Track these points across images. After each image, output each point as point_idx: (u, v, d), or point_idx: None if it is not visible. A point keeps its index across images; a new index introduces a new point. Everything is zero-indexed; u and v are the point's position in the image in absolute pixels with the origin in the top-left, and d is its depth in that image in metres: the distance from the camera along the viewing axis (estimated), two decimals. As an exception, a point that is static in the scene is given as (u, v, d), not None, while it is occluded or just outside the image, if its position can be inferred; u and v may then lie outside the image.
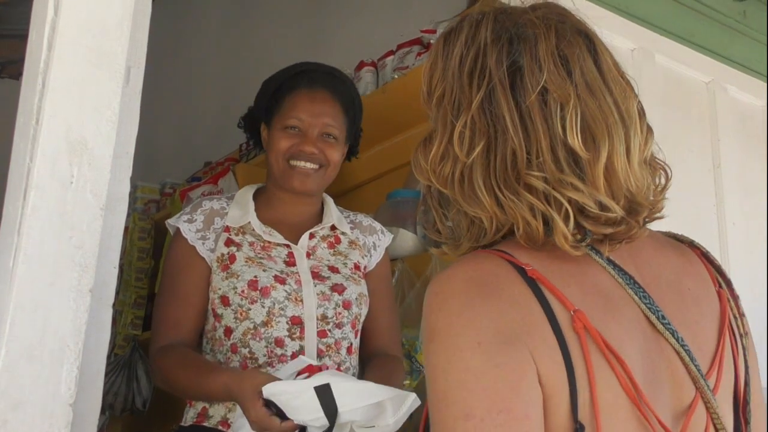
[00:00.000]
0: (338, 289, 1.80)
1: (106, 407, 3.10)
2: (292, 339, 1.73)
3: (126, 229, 3.38)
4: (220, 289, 1.77)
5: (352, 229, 1.94)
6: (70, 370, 1.16)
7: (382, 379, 1.76)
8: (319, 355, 1.74)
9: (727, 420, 0.96)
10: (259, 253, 1.80)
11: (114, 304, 1.30)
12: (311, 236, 1.87)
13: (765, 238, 2.44)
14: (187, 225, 1.82)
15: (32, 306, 1.14)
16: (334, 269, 1.84)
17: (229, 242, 1.81)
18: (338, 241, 1.90)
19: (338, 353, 1.77)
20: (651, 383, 0.91)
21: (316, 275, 1.80)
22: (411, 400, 1.47)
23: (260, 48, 3.94)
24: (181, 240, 1.82)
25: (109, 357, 1.52)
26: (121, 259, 1.33)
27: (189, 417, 1.77)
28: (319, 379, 1.48)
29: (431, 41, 2.43)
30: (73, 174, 1.19)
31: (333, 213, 1.92)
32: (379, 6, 3.43)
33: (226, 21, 4.53)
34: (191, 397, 1.76)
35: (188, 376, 1.68)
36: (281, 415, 1.48)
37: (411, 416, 1.51)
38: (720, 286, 1.03)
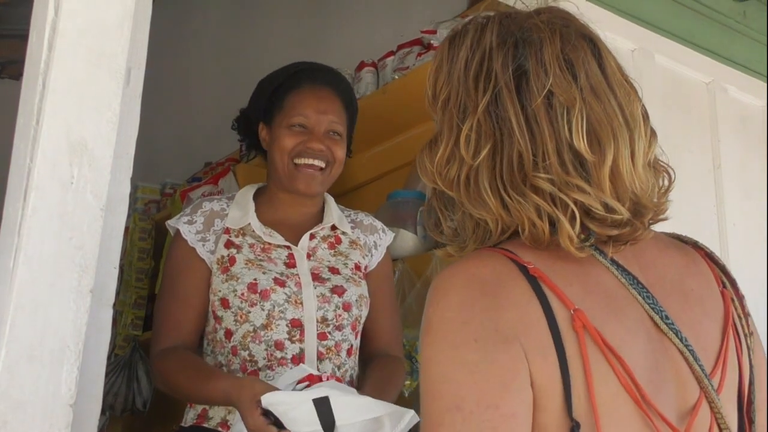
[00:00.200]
0: (338, 290, 1.79)
1: (107, 408, 3.10)
2: (292, 342, 1.73)
3: (126, 229, 3.37)
4: (220, 291, 1.77)
5: (352, 228, 1.94)
6: (70, 370, 1.16)
7: (382, 380, 1.76)
8: (319, 357, 1.73)
9: (731, 419, 0.96)
10: (259, 255, 1.80)
11: (114, 305, 1.30)
12: (312, 237, 1.87)
13: (765, 239, 2.44)
14: (187, 226, 1.82)
15: (32, 307, 1.14)
16: (334, 270, 1.83)
17: (229, 244, 1.80)
18: (339, 241, 1.90)
19: (338, 355, 1.76)
20: (655, 383, 0.92)
21: (316, 277, 1.80)
22: (409, 417, 1.47)
23: (260, 49, 3.94)
24: (181, 241, 1.82)
25: (109, 357, 1.53)
26: (121, 259, 1.33)
27: (189, 418, 1.77)
28: (318, 392, 1.48)
29: (432, 42, 2.43)
30: (73, 175, 1.20)
31: (334, 212, 1.92)
32: (379, 6, 3.43)
33: (227, 22, 4.53)
34: (191, 401, 1.76)
35: (188, 381, 1.68)
36: (279, 425, 1.48)
37: None
38: (724, 286, 1.04)
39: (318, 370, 1.69)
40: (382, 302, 1.91)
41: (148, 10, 1.39)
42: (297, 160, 1.82)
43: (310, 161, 1.82)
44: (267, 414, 1.48)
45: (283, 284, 1.75)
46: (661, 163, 1.01)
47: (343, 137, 1.88)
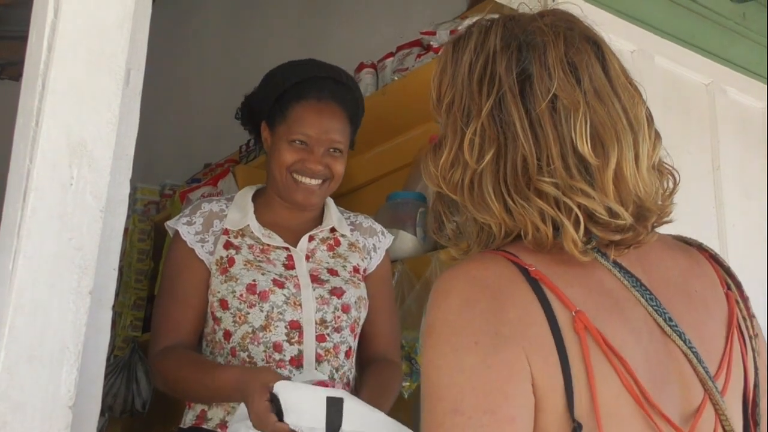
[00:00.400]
0: (337, 292, 1.79)
1: (106, 409, 3.10)
2: (291, 343, 1.72)
3: (126, 230, 3.38)
4: (219, 292, 1.76)
5: (352, 230, 1.94)
6: (69, 371, 1.16)
7: (379, 386, 1.76)
8: (318, 359, 1.73)
9: (736, 421, 0.97)
10: (258, 256, 1.80)
11: (114, 306, 1.30)
12: (310, 239, 1.87)
13: (765, 240, 2.44)
14: (186, 227, 1.82)
15: (32, 308, 1.14)
16: (333, 272, 1.83)
17: (228, 245, 1.80)
18: (338, 243, 1.90)
19: (337, 357, 1.76)
20: (658, 384, 0.92)
21: (315, 278, 1.80)
22: None
23: (260, 49, 3.95)
24: (180, 242, 1.82)
25: (108, 359, 1.52)
26: (120, 260, 1.33)
27: (188, 419, 1.77)
28: (334, 392, 1.48)
29: (431, 43, 2.43)
30: (72, 176, 1.19)
31: (333, 215, 1.92)
32: (378, 8, 3.43)
33: (227, 22, 4.53)
34: (192, 397, 1.75)
35: (192, 373, 1.68)
36: (279, 417, 1.48)
37: None
38: (728, 288, 1.04)
39: (315, 371, 1.69)
40: (380, 305, 1.90)
41: (148, 11, 1.39)
42: (295, 176, 1.82)
43: (308, 180, 1.81)
44: (272, 402, 1.48)
45: (282, 285, 1.75)
46: (666, 166, 1.01)
47: (344, 152, 1.86)
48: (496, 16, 1.03)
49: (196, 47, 4.67)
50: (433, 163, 1.01)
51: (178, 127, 4.54)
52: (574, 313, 0.90)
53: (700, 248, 1.08)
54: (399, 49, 2.61)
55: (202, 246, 1.80)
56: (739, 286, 1.05)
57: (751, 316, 1.04)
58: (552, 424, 0.87)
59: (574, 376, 0.88)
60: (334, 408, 1.45)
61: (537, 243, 0.94)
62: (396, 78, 2.53)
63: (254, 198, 1.90)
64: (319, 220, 1.91)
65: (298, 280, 1.78)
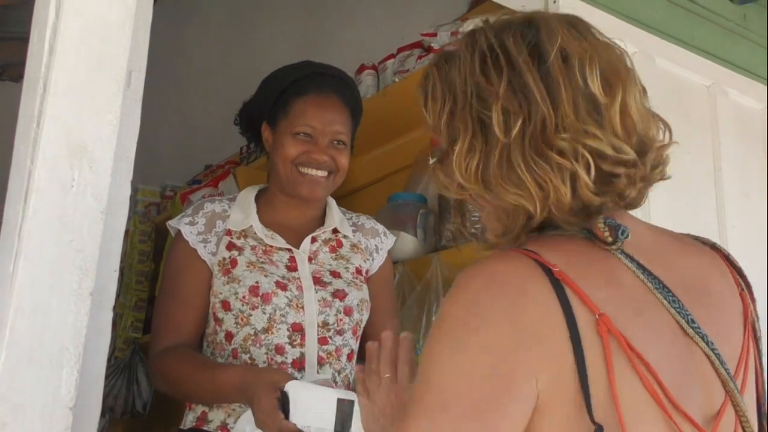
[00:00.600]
0: (339, 295, 1.79)
1: (106, 410, 3.10)
2: (293, 346, 1.72)
3: (126, 232, 3.36)
4: (221, 293, 1.76)
5: (354, 231, 1.93)
6: (70, 373, 1.16)
7: None
8: (320, 362, 1.73)
9: (753, 422, 0.98)
10: (260, 258, 1.79)
11: (114, 307, 1.30)
12: (313, 240, 1.86)
13: (765, 241, 2.44)
14: (188, 227, 1.82)
15: (32, 309, 1.14)
16: (335, 274, 1.83)
17: (230, 246, 1.80)
18: (340, 244, 1.90)
19: (338, 360, 1.76)
20: (681, 386, 0.92)
21: (317, 280, 1.79)
22: None
23: (261, 51, 3.95)
24: (182, 242, 1.81)
25: (109, 360, 1.53)
26: (121, 262, 1.33)
27: (188, 420, 1.76)
28: (345, 394, 1.48)
29: (432, 44, 2.43)
30: (73, 177, 1.19)
31: (335, 216, 1.91)
32: (379, 9, 3.43)
33: (227, 25, 4.53)
34: (192, 397, 1.75)
35: (192, 373, 1.68)
36: (285, 416, 1.48)
37: None
38: (742, 289, 1.06)
39: (318, 374, 1.69)
40: (382, 306, 1.90)
41: (149, 13, 1.39)
42: (301, 168, 1.82)
43: (314, 172, 1.81)
44: (279, 401, 1.48)
45: (284, 288, 1.75)
46: (660, 117, 1.05)
47: (347, 145, 1.87)
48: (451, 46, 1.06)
49: (197, 49, 4.67)
50: (444, 168, 1.01)
51: (178, 129, 4.54)
52: (597, 316, 0.90)
53: (714, 248, 1.09)
54: (400, 50, 2.61)
55: (205, 246, 1.80)
56: (749, 287, 1.07)
57: (757, 317, 1.05)
58: (561, 426, 0.87)
59: (592, 379, 0.87)
60: (345, 409, 1.45)
61: (558, 206, 0.94)
62: (397, 80, 2.53)
63: (257, 198, 1.89)
64: (321, 221, 1.91)
65: (300, 282, 1.77)
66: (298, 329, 1.73)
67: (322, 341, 1.74)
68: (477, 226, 2.17)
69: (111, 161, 1.24)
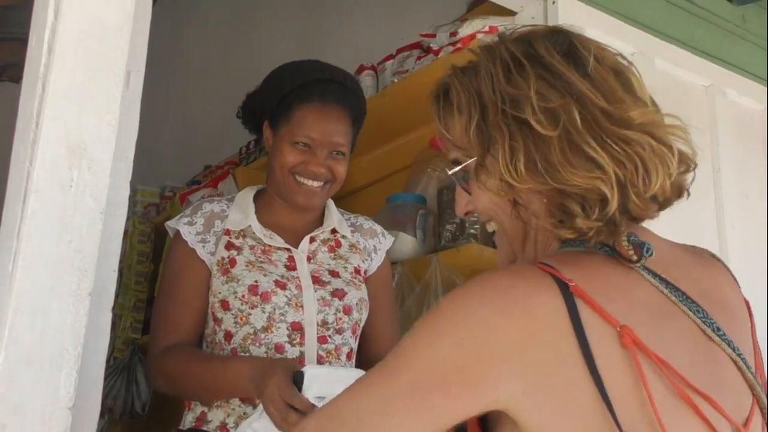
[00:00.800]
0: (339, 294, 1.79)
1: (106, 411, 3.10)
2: (293, 345, 1.72)
3: (126, 232, 3.37)
4: (220, 293, 1.76)
5: (352, 232, 1.93)
6: (69, 374, 1.16)
7: None
8: (319, 361, 1.73)
9: None
10: (259, 257, 1.79)
11: (113, 308, 1.30)
12: (312, 240, 1.87)
13: (765, 243, 2.44)
14: (187, 227, 1.82)
15: (31, 310, 1.14)
16: (334, 273, 1.83)
17: (229, 246, 1.80)
18: (339, 244, 1.90)
19: (338, 359, 1.76)
20: (712, 390, 0.93)
21: (316, 280, 1.80)
22: None
23: (260, 52, 3.95)
24: (181, 242, 1.82)
25: (108, 361, 1.52)
26: (120, 262, 1.33)
27: (188, 421, 1.76)
28: (359, 373, 1.48)
29: (431, 45, 2.43)
30: (72, 178, 1.20)
31: (334, 216, 1.92)
32: (378, 9, 3.44)
33: (226, 25, 4.53)
34: (197, 393, 1.73)
35: (201, 367, 1.68)
36: None
37: None
38: (745, 300, 1.08)
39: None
40: (381, 307, 1.90)
41: (148, 13, 1.39)
42: (297, 177, 1.81)
43: (310, 182, 1.81)
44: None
45: (284, 287, 1.75)
46: None
47: (346, 155, 1.86)
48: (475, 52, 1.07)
49: (196, 49, 4.67)
50: (482, 175, 1.01)
51: (178, 129, 4.54)
52: (618, 329, 0.90)
53: (712, 257, 1.10)
54: (399, 51, 2.61)
55: (204, 246, 1.80)
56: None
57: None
58: None
59: (611, 389, 0.88)
60: None
61: (634, 188, 0.95)
62: (396, 80, 2.53)
63: (255, 198, 1.89)
64: (319, 221, 1.91)
65: (299, 281, 1.78)
66: (297, 328, 1.73)
67: (322, 340, 1.75)
68: (476, 226, 2.17)
69: (110, 162, 1.24)
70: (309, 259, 1.83)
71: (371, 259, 1.93)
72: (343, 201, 2.49)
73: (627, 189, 0.95)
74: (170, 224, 1.85)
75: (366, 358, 1.87)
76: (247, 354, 1.72)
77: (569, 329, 0.89)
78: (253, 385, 1.57)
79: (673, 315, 0.96)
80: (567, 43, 1.02)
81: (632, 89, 1.00)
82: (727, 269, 1.09)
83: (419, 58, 2.49)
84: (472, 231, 2.17)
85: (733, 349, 0.97)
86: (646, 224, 1.04)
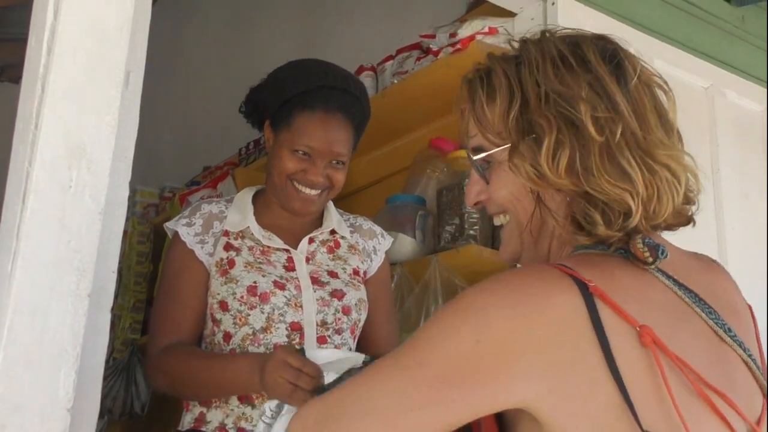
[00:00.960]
0: (338, 294, 1.79)
1: (105, 411, 3.10)
2: (292, 345, 1.72)
3: (125, 233, 3.37)
4: (218, 294, 1.76)
5: (351, 232, 1.93)
6: (68, 374, 1.16)
7: None
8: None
9: None
10: (258, 258, 1.79)
11: (112, 309, 1.30)
12: (311, 241, 1.87)
13: (765, 244, 2.44)
14: (185, 228, 1.82)
15: (30, 310, 1.14)
16: (333, 274, 1.83)
17: (228, 247, 1.80)
18: (337, 245, 1.90)
19: (336, 358, 1.76)
20: (726, 391, 0.94)
21: (315, 280, 1.80)
22: None
23: (260, 52, 3.95)
24: (179, 243, 1.82)
25: (107, 361, 1.52)
26: (119, 263, 1.33)
27: (186, 421, 1.76)
28: (362, 356, 1.49)
29: (430, 46, 2.43)
30: (72, 178, 1.20)
31: (333, 217, 1.91)
32: (378, 11, 3.44)
33: (226, 25, 4.53)
34: (197, 391, 1.72)
35: (200, 364, 1.68)
36: None
37: None
38: (748, 304, 1.09)
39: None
40: (380, 307, 1.90)
41: (148, 13, 1.39)
42: (296, 184, 1.81)
43: (308, 191, 1.80)
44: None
45: (282, 287, 1.75)
46: None
47: (346, 162, 1.85)
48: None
49: (196, 49, 4.67)
50: (522, 162, 1.01)
51: (177, 130, 4.54)
52: (638, 329, 0.91)
53: (714, 263, 1.12)
54: (399, 52, 2.61)
55: (202, 247, 1.80)
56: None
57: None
58: None
59: (632, 388, 0.88)
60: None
61: (647, 215, 0.97)
62: (395, 81, 2.53)
63: (254, 199, 1.89)
64: (318, 222, 1.91)
65: (298, 281, 1.78)
66: (296, 328, 1.73)
67: (321, 340, 1.75)
68: (476, 227, 2.17)
69: (109, 162, 1.24)
70: (308, 259, 1.83)
71: (371, 260, 1.93)
72: (343, 202, 2.49)
73: (645, 209, 0.97)
74: (169, 225, 1.85)
75: (365, 358, 1.87)
76: (247, 354, 1.72)
77: (589, 329, 0.89)
78: (254, 375, 1.57)
79: (687, 316, 0.97)
80: (614, 53, 1.04)
81: (665, 116, 1.03)
82: (729, 275, 1.11)
83: (419, 58, 2.49)
84: (471, 232, 2.17)
85: (744, 350, 0.99)
86: None
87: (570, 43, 1.04)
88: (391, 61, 2.63)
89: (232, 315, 1.74)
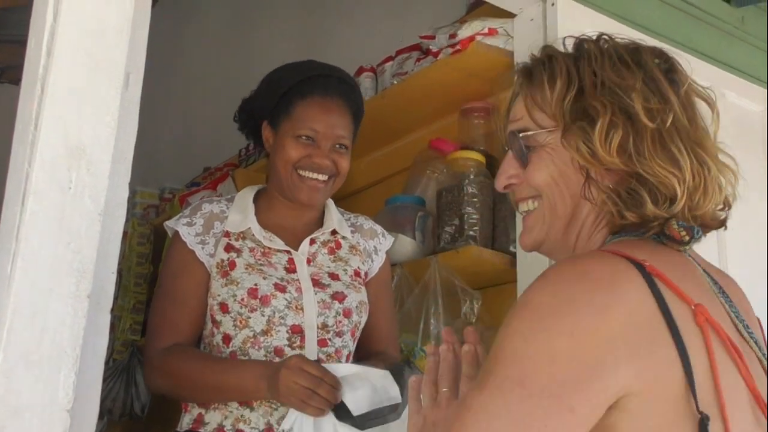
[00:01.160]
0: (339, 297, 1.79)
1: (105, 412, 3.10)
2: (292, 348, 1.72)
3: (125, 234, 3.37)
4: (219, 295, 1.76)
5: (352, 232, 1.93)
6: (67, 375, 1.16)
7: (384, 361, 1.77)
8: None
9: None
10: (259, 260, 1.79)
11: (112, 310, 1.30)
12: (312, 242, 1.86)
13: (764, 244, 2.44)
14: (186, 228, 1.81)
15: (30, 311, 1.14)
16: (334, 276, 1.83)
17: (228, 248, 1.79)
18: (339, 246, 1.89)
19: (338, 362, 1.76)
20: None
21: (316, 282, 1.79)
22: None
23: (259, 53, 3.95)
24: (179, 243, 1.81)
25: (107, 362, 1.52)
26: (119, 264, 1.33)
27: (185, 423, 1.76)
28: (380, 371, 1.48)
29: (430, 47, 2.43)
30: (71, 179, 1.19)
31: (334, 216, 1.91)
32: (377, 10, 3.44)
33: (226, 26, 4.54)
34: (198, 392, 1.71)
35: (206, 365, 1.67)
36: None
37: None
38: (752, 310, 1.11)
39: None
40: (381, 307, 1.90)
41: (147, 15, 1.39)
42: (301, 172, 1.81)
43: (315, 175, 1.80)
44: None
45: (283, 290, 1.75)
46: None
47: (349, 149, 1.86)
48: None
49: (196, 50, 4.67)
50: (585, 139, 1.03)
51: (177, 131, 4.54)
52: (693, 307, 0.92)
53: (727, 275, 1.14)
54: (398, 53, 2.62)
55: (203, 248, 1.80)
56: None
57: None
58: (664, 416, 0.87)
59: (695, 368, 0.88)
60: (402, 375, 1.47)
61: (698, 203, 1.01)
62: (395, 82, 2.53)
63: (255, 199, 1.89)
64: (319, 222, 1.90)
65: (299, 283, 1.77)
66: (297, 331, 1.73)
67: (322, 343, 1.74)
68: (475, 228, 2.17)
69: (109, 163, 1.24)
70: (309, 261, 1.83)
71: (372, 261, 1.92)
72: (343, 202, 2.49)
73: (690, 198, 1.01)
74: (169, 224, 1.85)
75: (362, 358, 1.86)
76: (247, 357, 1.72)
77: (656, 308, 0.90)
78: (260, 381, 1.57)
79: (716, 304, 0.99)
80: (669, 63, 1.10)
81: (707, 125, 1.08)
82: (741, 289, 1.12)
83: (418, 59, 2.49)
84: (471, 233, 2.17)
85: (759, 348, 1.00)
86: None
87: (627, 47, 1.09)
88: (390, 62, 2.63)
89: (232, 317, 1.74)
